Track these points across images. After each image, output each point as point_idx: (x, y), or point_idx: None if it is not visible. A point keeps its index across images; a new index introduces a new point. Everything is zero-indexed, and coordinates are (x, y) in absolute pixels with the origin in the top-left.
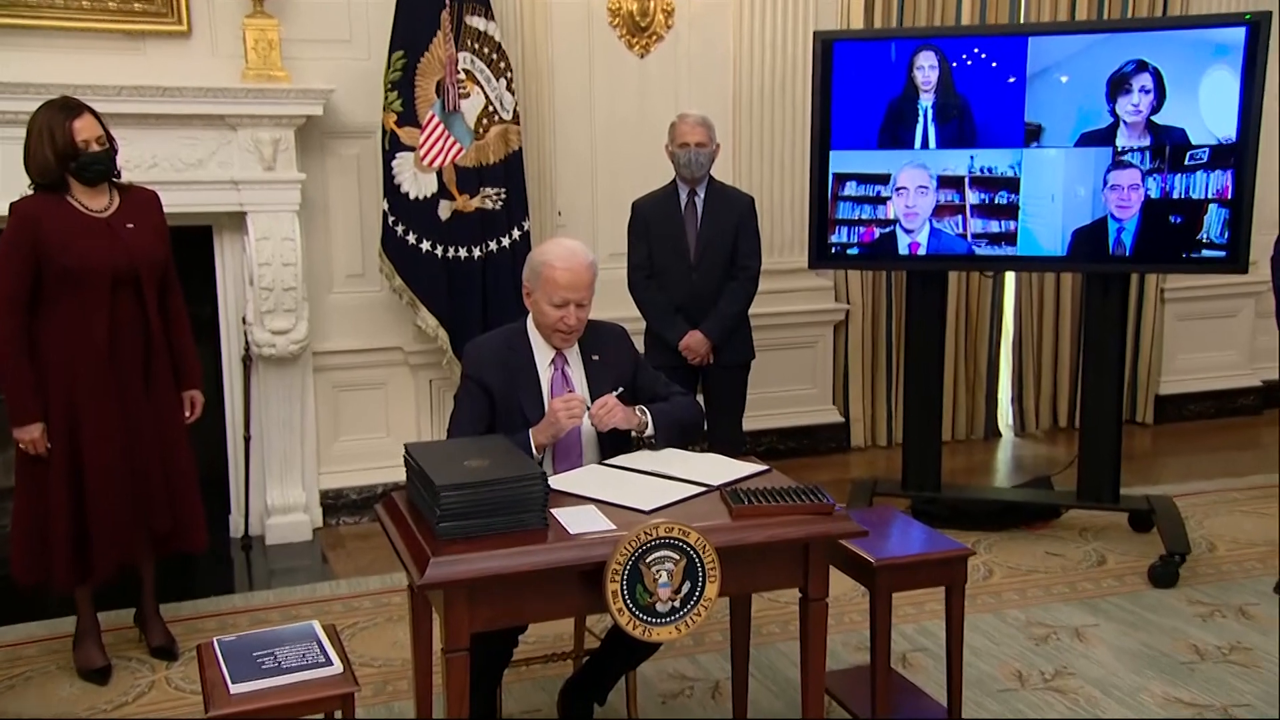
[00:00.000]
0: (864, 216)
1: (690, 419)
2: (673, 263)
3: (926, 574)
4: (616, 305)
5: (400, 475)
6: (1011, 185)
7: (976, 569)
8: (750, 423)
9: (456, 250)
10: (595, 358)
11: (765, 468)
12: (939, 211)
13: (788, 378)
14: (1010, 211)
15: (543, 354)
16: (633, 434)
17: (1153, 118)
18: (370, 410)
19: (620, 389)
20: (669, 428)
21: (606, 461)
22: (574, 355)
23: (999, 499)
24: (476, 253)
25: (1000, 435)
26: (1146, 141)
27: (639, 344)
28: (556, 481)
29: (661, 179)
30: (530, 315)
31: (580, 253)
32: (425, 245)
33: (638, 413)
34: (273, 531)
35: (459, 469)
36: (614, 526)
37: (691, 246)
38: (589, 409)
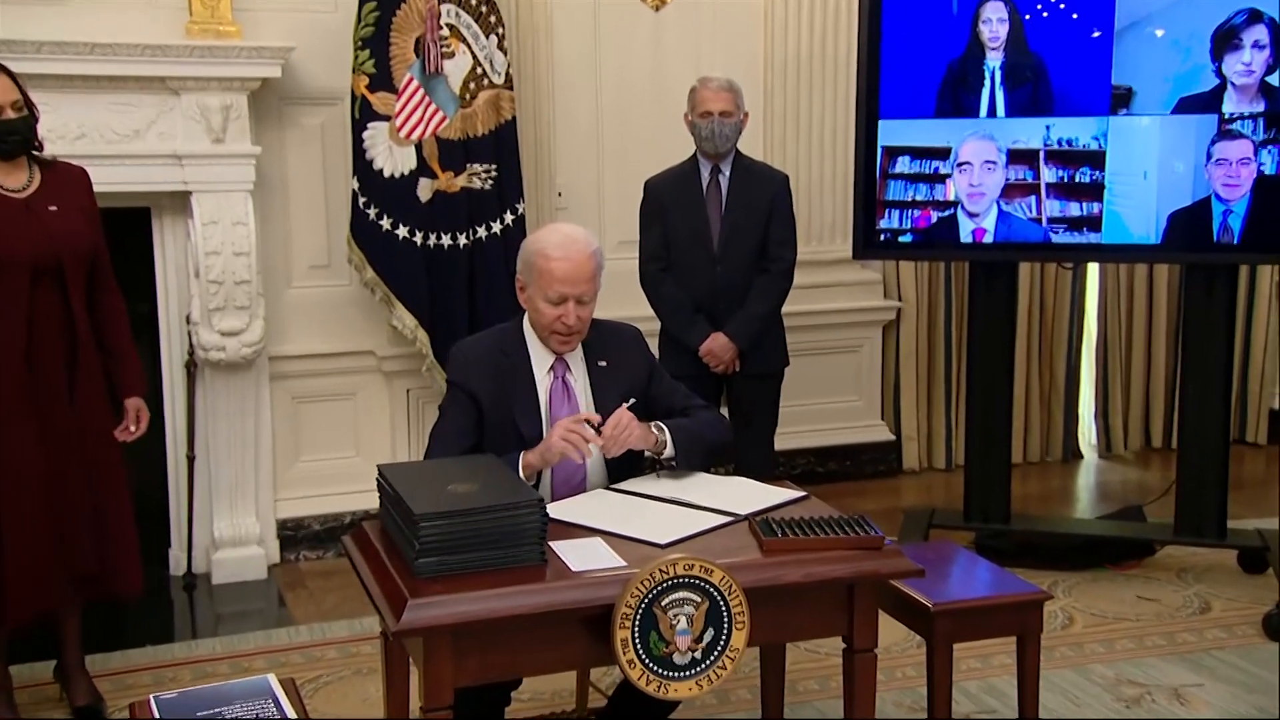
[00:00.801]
0: (919, 198)
1: (716, 438)
2: (692, 253)
3: (994, 621)
4: (625, 302)
5: (372, 502)
6: (1095, 160)
7: (1054, 616)
8: (783, 441)
9: (439, 237)
10: (602, 364)
11: (802, 494)
12: (1009, 192)
13: (828, 388)
14: (1094, 191)
15: (540, 359)
16: (647, 455)
17: (1268, 78)
18: (337, 425)
19: (632, 400)
20: (691, 448)
21: (615, 486)
22: (576, 360)
23: (1080, 533)
24: (462, 240)
25: (1081, 457)
26: (1260, 107)
27: (652, 348)
28: (556, 509)
29: (679, 154)
30: (526, 314)
31: (580, 239)
32: (402, 231)
33: (654, 430)
34: (220, 568)
35: (441, 494)
36: (624, 563)
37: (714, 234)
38: (597, 429)
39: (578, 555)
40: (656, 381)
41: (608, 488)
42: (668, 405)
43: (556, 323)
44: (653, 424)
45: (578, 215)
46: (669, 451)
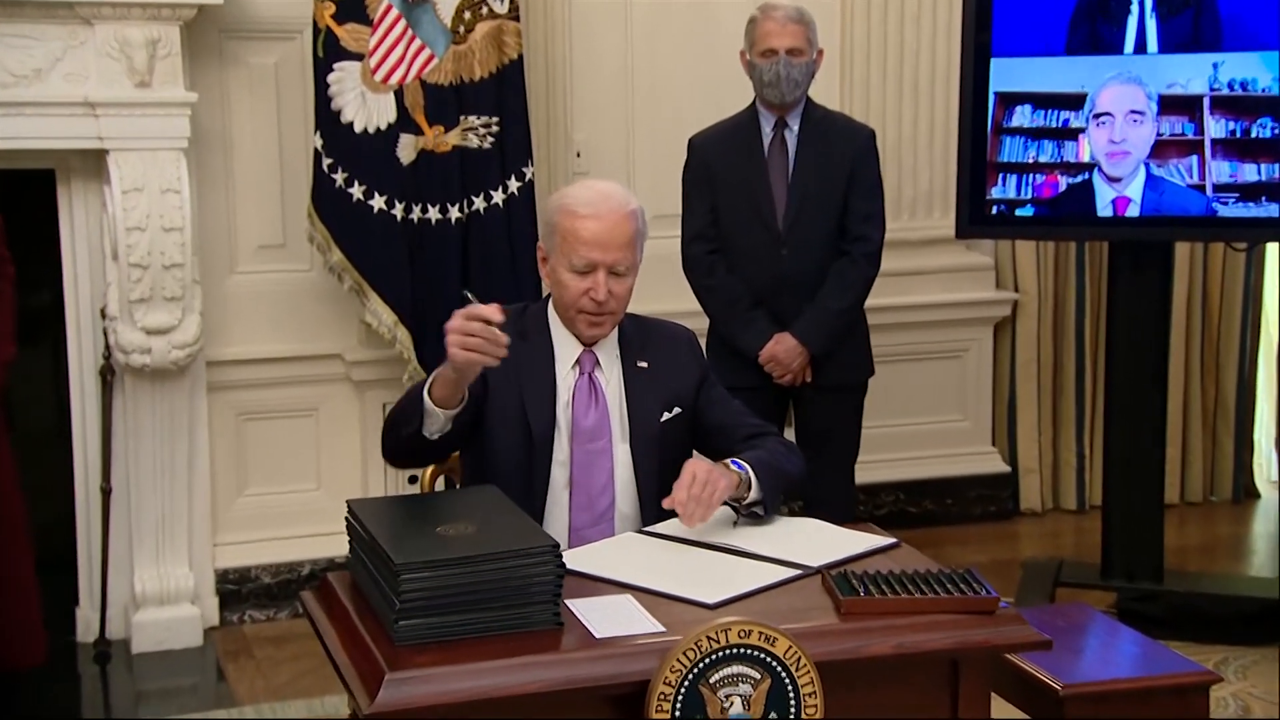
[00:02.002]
0: (1043, 159)
1: (792, 472)
2: (750, 230)
3: (1143, 710)
4: (663, 294)
5: (338, 548)
6: (1276, 108)
7: (1223, 704)
8: (866, 473)
9: (425, 209)
10: (642, 365)
11: (890, 541)
12: (1161, 151)
13: (923, 405)
14: (1274, 150)
15: (565, 349)
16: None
17: None
18: (293, 449)
19: (676, 411)
20: (775, 489)
21: (650, 529)
22: (610, 356)
23: (1256, 595)
24: (455, 213)
25: (1258, 497)
26: None
27: None
28: (576, 558)
29: (733, 104)
30: (551, 295)
31: (616, 196)
32: (378, 202)
33: (731, 469)
34: (143, 633)
35: (429, 538)
36: (661, 628)
37: (779, 206)
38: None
39: (603, 617)
40: (706, 392)
41: (641, 530)
42: (718, 422)
43: (583, 298)
44: (729, 462)
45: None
46: (754, 494)
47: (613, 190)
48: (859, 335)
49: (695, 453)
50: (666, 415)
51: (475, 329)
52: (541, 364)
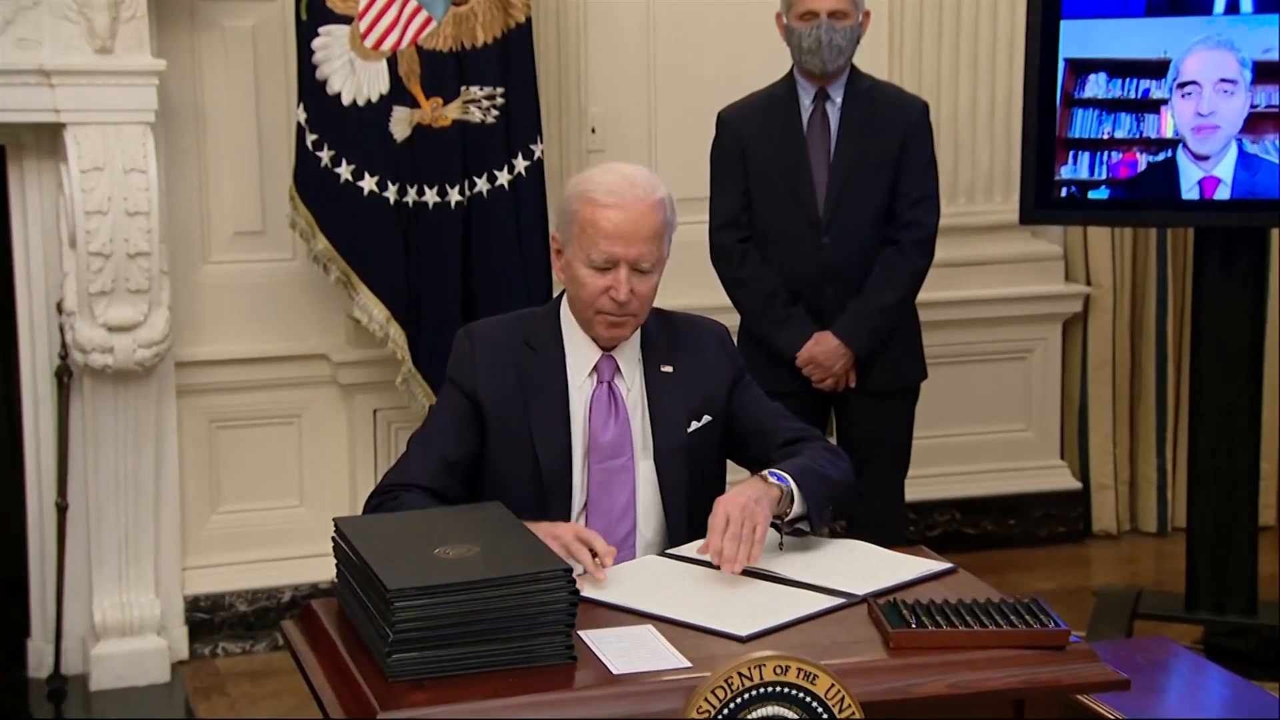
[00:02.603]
0: (1120, 135)
1: (840, 480)
2: (788, 216)
3: None
4: (687, 286)
5: (323, 572)
6: None
7: None
8: (918, 489)
9: (421, 191)
10: (667, 369)
11: (946, 566)
12: (1255, 125)
13: (982, 412)
14: None
15: (580, 356)
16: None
17: None
18: (273, 461)
19: (706, 419)
20: (823, 501)
21: (674, 551)
22: (631, 361)
23: None
24: (455, 196)
25: None
26: None
27: None
28: (592, 584)
29: (769, 74)
30: (565, 298)
31: (642, 183)
32: (368, 182)
33: (770, 482)
34: (103, 668)
35: (426, 561)
36: (687, 663)
37: (820, 189)
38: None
39: (621, 651)
40: (740, 393)
41: (664, 553)
42: (753, 426)
43: (602, 297)
44: (767, 473)
45: (619, 160)
46: (798, 508)
47: (638, 175)
48: (909, 334)
49: (726, 467)
50: (695, 424)
51: (584, 558)
52: (551, 380)
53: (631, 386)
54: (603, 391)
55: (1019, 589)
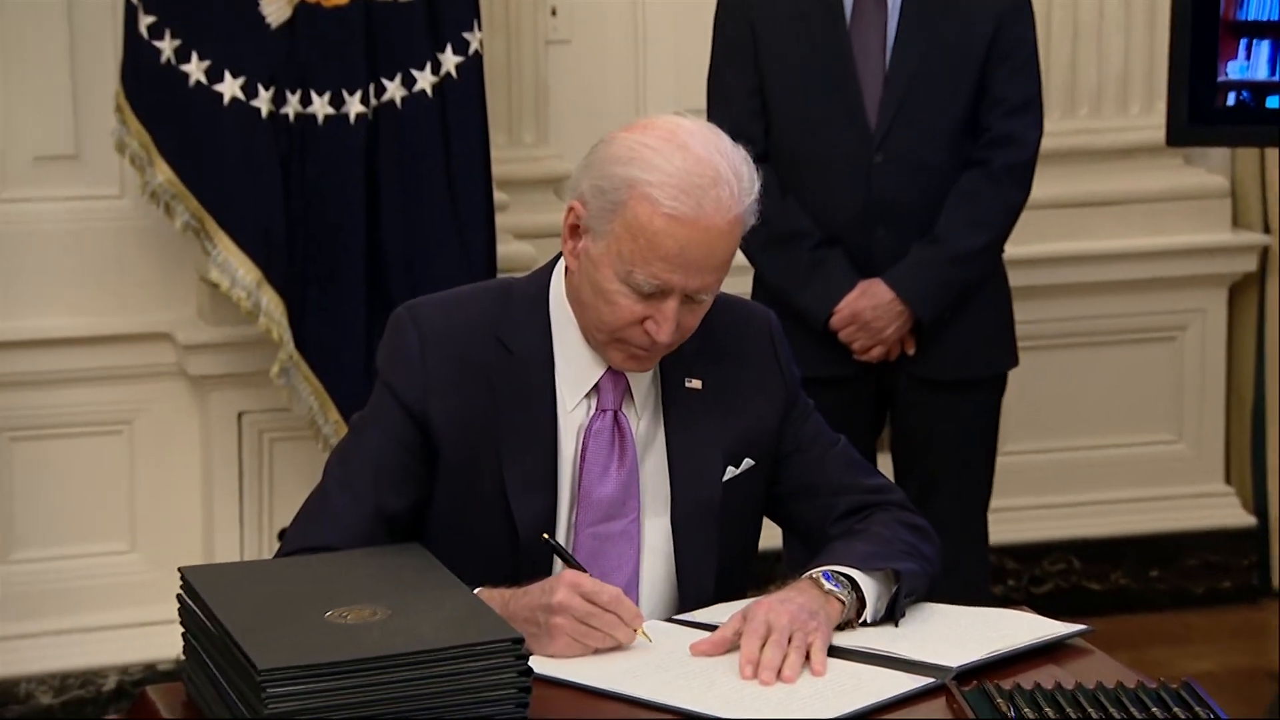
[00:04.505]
0: None
1: (929, 576)
2: (824, 128)
3: None
4: None
5: (164, 647)
6: None
7: None
8: (1014, 525)
9: (307, 100)
10: (694, 385)
11: (1071, 629)
12: None
13: (1108, 417)
14: None
15: (575, 365)
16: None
17: None
18: (93, 487)
19: (747, 464)
20: (900, 613)
21: (682, 617)
22: (644, 377)
23: None
24: (355, 106)
25: None
26: None
27: None
28: (556, 663)
29: None
30: (560, 271)
31: (726, 177)
32: (230, 86)
33: (826, 589)
34: None
35: (311, 629)
36: None
37: (870, 92)
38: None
39: None
40: (796, 424)
41: (670, 619)
42: (809, 477)
43: (634, 328)
44: (820, 574)
45: (591, 59)
46: (870, 614)
47: (720, 165)
48: (995, 301)
49: (761, 526)
50: (733, 471)
51: (606, 621)
52: (535, 399)
53: (642, 414)
54: (603, 424)
55: (1166, 670)
